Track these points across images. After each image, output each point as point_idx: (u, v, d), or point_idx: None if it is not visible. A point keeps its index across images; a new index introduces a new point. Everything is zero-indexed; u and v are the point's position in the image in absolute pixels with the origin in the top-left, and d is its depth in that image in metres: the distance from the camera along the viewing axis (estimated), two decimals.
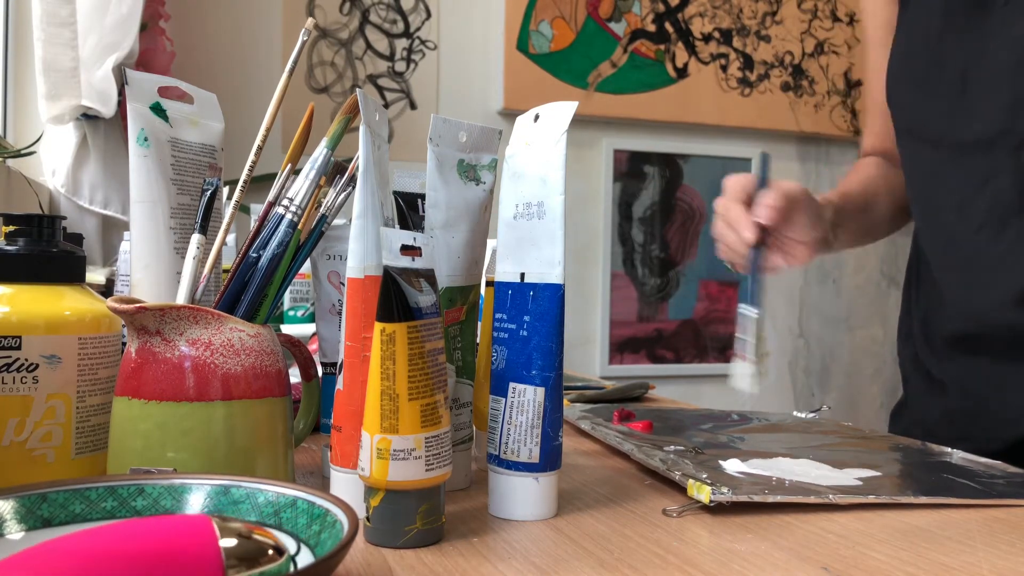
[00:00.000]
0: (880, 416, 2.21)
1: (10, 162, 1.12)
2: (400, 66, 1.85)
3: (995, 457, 0.63)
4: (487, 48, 1.91)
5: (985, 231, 0.77)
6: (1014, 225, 0.75)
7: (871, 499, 0.51)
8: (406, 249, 0.44)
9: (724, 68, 2.07)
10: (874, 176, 0.96)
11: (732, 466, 0.57)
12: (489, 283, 0.59)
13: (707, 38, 2.06)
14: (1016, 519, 0.50)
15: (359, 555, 0.41)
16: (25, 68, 1.34)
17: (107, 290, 0.98)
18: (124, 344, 0.48)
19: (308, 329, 0.92)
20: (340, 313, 0.70)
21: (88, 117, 1.26)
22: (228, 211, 0.49)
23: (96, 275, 1.01)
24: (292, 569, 0.33)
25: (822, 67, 2.15)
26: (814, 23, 2.15)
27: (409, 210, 0.57)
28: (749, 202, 0.75)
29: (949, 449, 0.66)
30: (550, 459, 0.48)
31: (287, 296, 0.99)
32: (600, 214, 2.01)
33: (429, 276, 0.45)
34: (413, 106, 1.86)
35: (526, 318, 0.48)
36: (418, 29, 1.86)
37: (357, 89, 0.48)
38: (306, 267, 0.90)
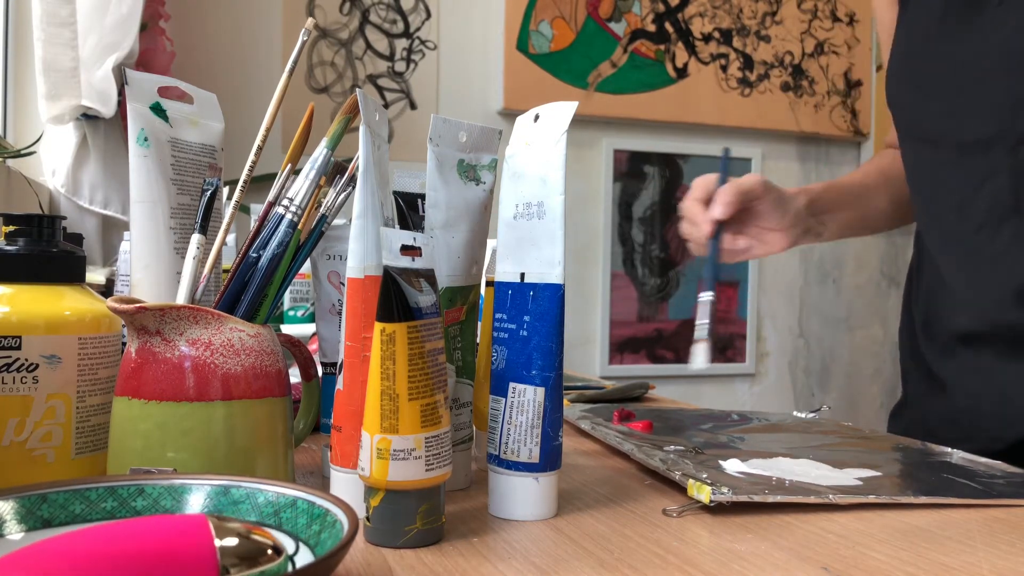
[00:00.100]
0: (880, 416, 2.21)
1: (10, 162, 1.12)
2: (400, 66, 1.85)
3: (995, 457, 0.63)
4: (487, 48, 1.91)
5: (984, 231, 0.77)
6: (1011, 224, 0.75)
7: (871, 499, 0.51)
8: (406, 249, 0.44)
9: (724, 68, 2.07)
10: (879, 169, 0.98)
11: (732, 466, 0.57)
12: (489, 283, 0.59)
13: (707, 38, 2.06)
14: (1016, 519, 0.50)
15: (359, 555, 0.41)
16: (25, 68, 1.34)
17: (107, 290, 0.98)
18: (124, 344, 0.48)
19: (308, 329, 0.92)
20: (340, 313, 0.70)
21: (88, 117, 1.26)
22: (228, 211, 0.49)
23: (96, 275, 1.01)
24: (290, 569, 0.33)
25: (822, 67, 2.15)
26: (814, 23, 2.15)
27: (409, 210, 0.57)
28: (710, 200, 0.84)
29: (949, 449, 0.66)
30: (550, 459, 0.48)
31: (287, 296, 0.99)
32: (600, 214, 2.01)
33: (429, 276, 0.45)
34: (413, 106, 1.86)
35: (526, 318, 0.48)
36: (418, 29, 1.86)
37: (357, 89, 0.48)
38: (306, 267, 0.90)
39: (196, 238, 0.49)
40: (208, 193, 0.50)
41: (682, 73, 2.03)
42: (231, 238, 1.00)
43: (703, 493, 0.50)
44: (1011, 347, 0.76)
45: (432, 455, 0.42)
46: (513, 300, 0.49)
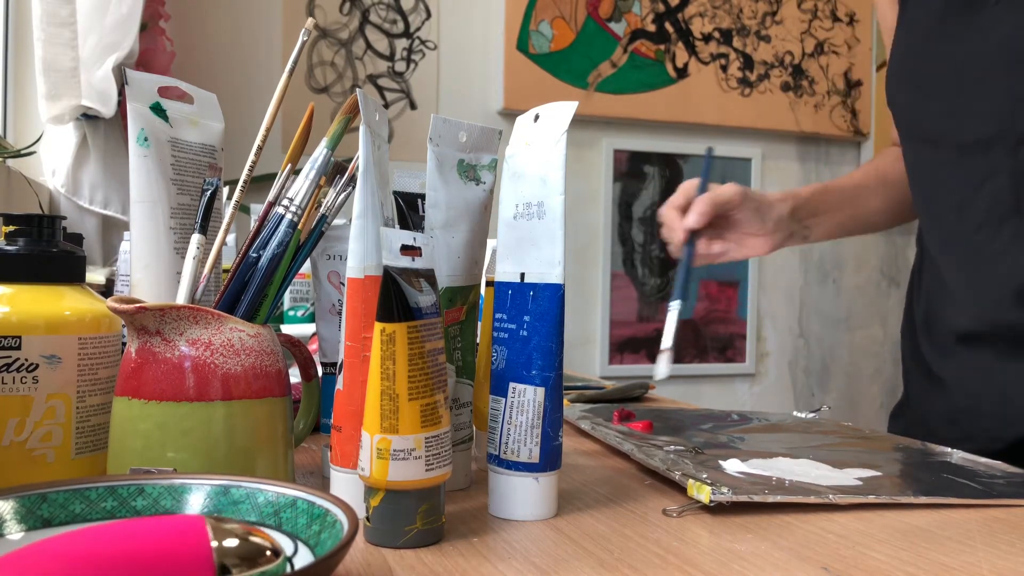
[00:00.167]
0: (880, 416, 2.21)
1: (10, 162, 1.12)
2: (400, 66, 1.85)
3: (995, 457, 0.63)
4: (487, 48, 1.91)
5: (984, 231, 0.77)
6: (1011, 224, 0.75)
7: (871, 499, 0.51)
8: (406, 249, 0.44)
9: (724, 68, 2.07)
10: (877, 169, 0.98)
11: (732, 466, 0.57)
12: (489, 283, 0.59)
13: (707, 38, 2.06)
14: (1016, 519, 0.50)
15: (359, 555, 0.41)
16: (25, 68, 1.34)
17: (107, 290, 0.98)
18: (124, 344, 0.48)
19: (308, 329, 0.92)
20: (340, 313, 0.70)
21: (88, 117, 1.26)
22: (228, 211, 0.49)
23: (96, 275, 1.01)
24: (289, 570, 0.33)
25: (822, 67, 2.15)
26: (814, 23, 2.15)
27: (409, 210, 0.57)
28: (689, 206, 0.87)
29: (949, 449, 0.66)
30: (550, 459, 0.48)
31: (287, 296, 0.99)
32: (600, 214, 2.01)
33: (429, 276, 0.45)
34: (413, 106, 1.86)
35: (526, 318, 0.48)
36: (418, 29, 1.86)
37: (357, 89, 0.48)
38: (306, 267, 0.90)
39: (196, 238, 0.49)
40: (208, 193, 0.50)
41: (682, 73, 2.03)
42: (231, 238, 1.00)
43: (703, 493, 0.50)
44: (1011, 347, 0.76)
45: (432, 455, 0.42)
46: (513, 300, 0.49)
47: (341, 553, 0.31)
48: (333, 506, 0.36)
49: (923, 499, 0.52)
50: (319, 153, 0.49)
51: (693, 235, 0.86)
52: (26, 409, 0.47)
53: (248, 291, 0.47)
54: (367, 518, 0.43)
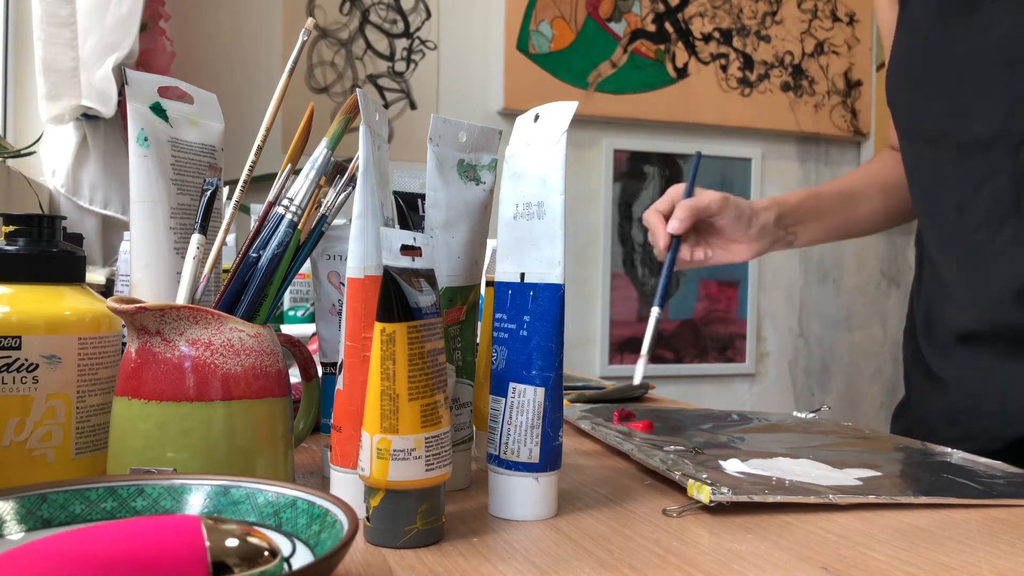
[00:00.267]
0: (880, 416, 2.21)
1: (10, 162, 1.12)
2: (400, 66, 1.85)
3: (996, 456, 0.63)
4: (487, 48, 1.91)
5: (984, 231, 0.77)
6: (1012, 224, 0.75)
7: (871, 499, 0.51)
8: (406, 249, 0.44)
9: (724, 68, 2.07)
10: (869, 174, 0.99)
11: (732, 466, 0.57)
12: (489, 283, 0.59)
13: (707, 38, 2.06)
14: (1016, 519, 0.50)
15: (359, 555, 0.41)
16: (25, 68, 1.34)
17: (107, 290, 0.98)
18: (124, 344, 0.48)
19: (308, 329, 0.92)
20: (340, 313, 0.70)
21: (88, 117, 1.26)
22: (228, 211, 0.49)
23: (96, 275, 1.01)
24: (286, 570, 0.33)
25: (822, 67, 2.15)
26: (814, 23, 2.15)
27: (409, 210, 0.57)
28: (672, 211, 0.90)
29: (949, 449, 0.66)
30: (550, 459, 0.48)
31: (287, 296, 0.99)
32: (600, 214, 2.01)
33: (429, 276, 0.45)
34: (413, 106, 1.86)
35: (526, 318, 0.48)
36: (418, 29, 1.86)
37: (357, 89, 0.48)
38: (306, 267, 0.90)
39: (196, 238, 0.49)
40: (208, 193, 0.50)
41: (682, 73, 2.03)
42: (231, 238, 1.00)
43: (703, 493, 0.50)
44: (1011, 347, 0.76)
45: (432, 455, 0.42)
46: (513, 300, 0.49)
47: (341, 553, 0.31)
48: (333, 506, 0.36)
49: (923, 499, 0.52)
50: (319, 153, 0.49)
51: (676, 240, 0.89)
52: (26, 409, 0.47)
53: (248, 291, 0.47)
54: (367, 518, 0.43)
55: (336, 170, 0.50)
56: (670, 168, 2.06)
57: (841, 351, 2.23)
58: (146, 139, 0.52)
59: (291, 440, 0.49)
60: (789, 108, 2.12)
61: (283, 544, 0.36)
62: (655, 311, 0.87)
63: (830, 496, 0.51)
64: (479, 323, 0.59)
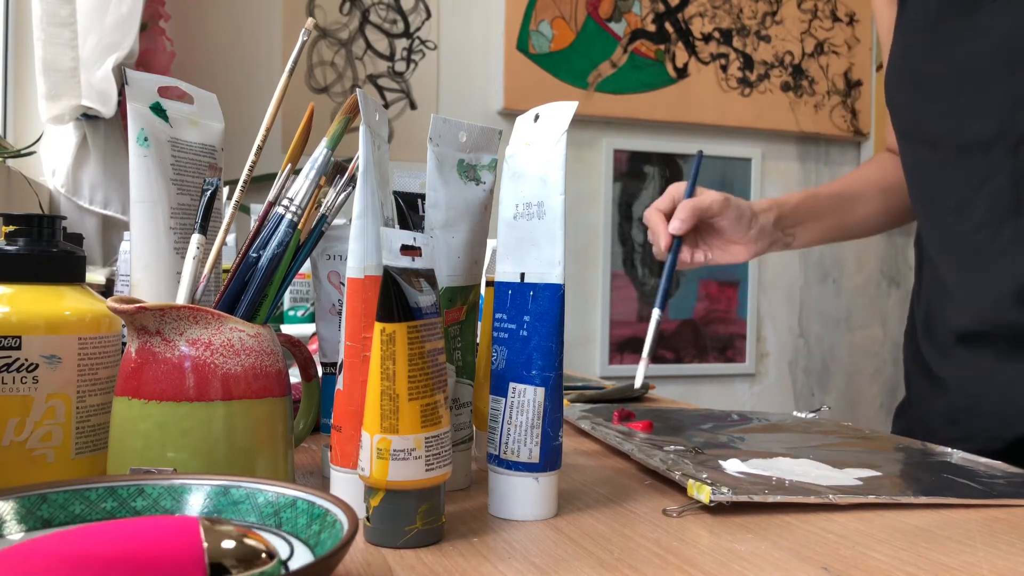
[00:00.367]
0: (880, 416, 2.21)
1: (10, 162, 1.12)
2: (400, 66, 1.85)
3: (996, 457, 0.63)
4: (487, 48, 1.91)
5: (984, 231, 0.77)
6: (1012, 225, 0.75)
7: (871, 499, 0.51)
8: (406, 249, 0.44)
9: (724, 68, 2.07)
10: (867, 176, 0.99)
11: (732, 466, 0.57)
12: (489, 283, 0.59)
13: (707, 38, 2.06)
14: (1016, 519, 0.50)
15: (359, 555, 0.41)
16: (25, 68, 1.34)
17: (107, 290, 0.98)
18: (124, 344, 0.48)
19: (308, 329, 0.92)
20: (340, 313, 0.70)
21: (88, 117, 1.26)
22: (228, 211, 0.49)
23: (96, 275, 1.01)
24: (283, 572, 0.33)
25: (822, 67, 2.15)
26: (814, 23, 2.15)
27: (409, 210, 0.57)
28: (674, 210, 0.90)
29: (949, 449, 0.66)
30: (550, 459, 0.48)
31: (287, 296, 0.99)
32: (600, 214, 2.01)
33: (429, 276, 0.45)
34: (413, 106, 1.86)
35: (526, 318, 0.48)
36: (418, 29, 1.86)
37: (357, 89, 0.48)
38: (306, 267, 0.90)
39: (196, 238, 0.49)
40: (208, 193, 0.50)
41: (682, 73, 2.03)
42: (231, 238, 1.00)
43: (703, 493, 0.50)
44: (1011, 347, 0.76)
45: (432, 455, 0.42)
46: (513, 300, 0.49)
47: (341, 553, 0.31)
48: (333, 506, 0.36)
49: (923, 499, 0.52)
50: (319, 153, 0.49)
51: (678, 241, 0.89)
52: (26, 409, 0.47)
53: (248, 291, 0.47)
54: (367, 518, 0.43)
55: (336, 170, 0.50)
56: (670, 168, 2.06)
57: (841, 351, 2.23)
58: (146, 139, 0.52)
59: (291, 440, 0.49)
60: (789, 108, 2.12)
61: (282, 545, 0.36)
62: (656, 313, 0.86)
63: (830, 496, 0.51)
64: (479, 323, 0.59)
